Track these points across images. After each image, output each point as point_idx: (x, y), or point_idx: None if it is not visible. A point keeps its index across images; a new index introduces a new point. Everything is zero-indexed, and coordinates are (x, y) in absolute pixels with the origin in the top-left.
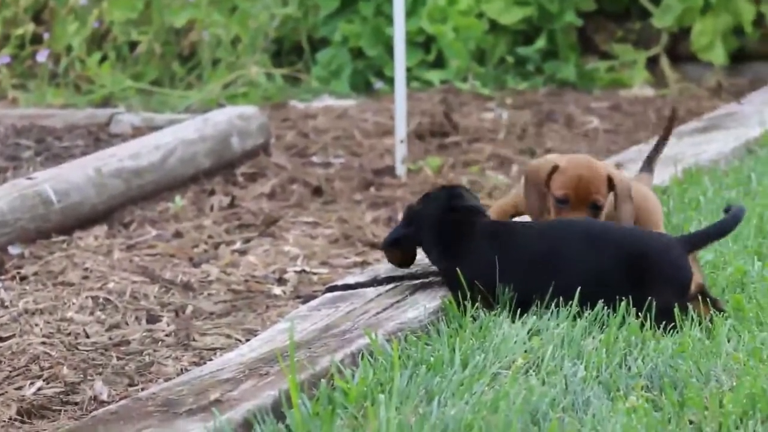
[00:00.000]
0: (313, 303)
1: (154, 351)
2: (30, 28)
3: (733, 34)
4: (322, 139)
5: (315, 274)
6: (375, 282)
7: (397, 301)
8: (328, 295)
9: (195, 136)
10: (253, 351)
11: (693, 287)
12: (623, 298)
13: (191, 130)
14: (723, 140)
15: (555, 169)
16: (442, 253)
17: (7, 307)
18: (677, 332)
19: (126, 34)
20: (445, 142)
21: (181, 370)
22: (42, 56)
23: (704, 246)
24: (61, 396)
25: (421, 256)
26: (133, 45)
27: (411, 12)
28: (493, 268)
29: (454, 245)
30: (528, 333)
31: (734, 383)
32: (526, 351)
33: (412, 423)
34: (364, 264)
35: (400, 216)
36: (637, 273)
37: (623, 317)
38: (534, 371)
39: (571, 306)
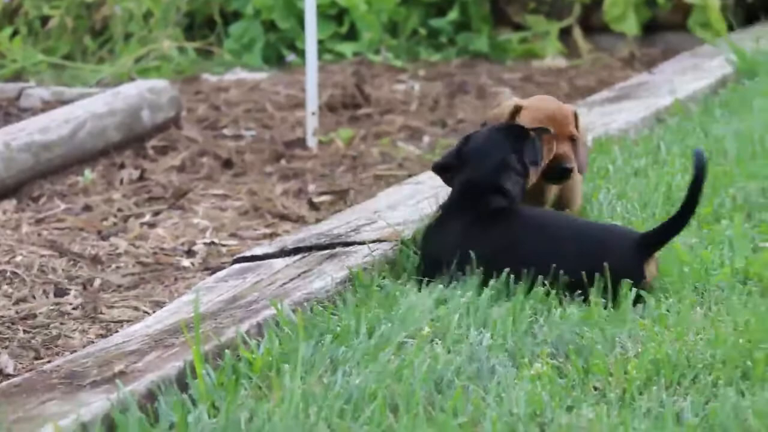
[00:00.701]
0: (220, 274)
1: (61, 324)
2: None
3: (645, 5)
4: (233, 112)
5: (224, 246)
6: (282, 253)
7: (304, 272)
8: (236, 266)
9: (105, 110)
10: (159, 323)
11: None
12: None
13: (101, 103)
14: (633, 109)
15: (518, 109)
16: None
17: None
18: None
19: (38, 8)
20: (357, 114)
21: (88, 342)
22: None
23: (666, 242)
24: None
25: (328, 226)
26: (45, 19)
27: None
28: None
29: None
30: (434, 302)
31: (639, 350)
32: (432, 320)
33: (317, 392)
34: (273, 236)
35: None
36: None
37: (530, 286)
38: (440, 340)
39: (477, 275)
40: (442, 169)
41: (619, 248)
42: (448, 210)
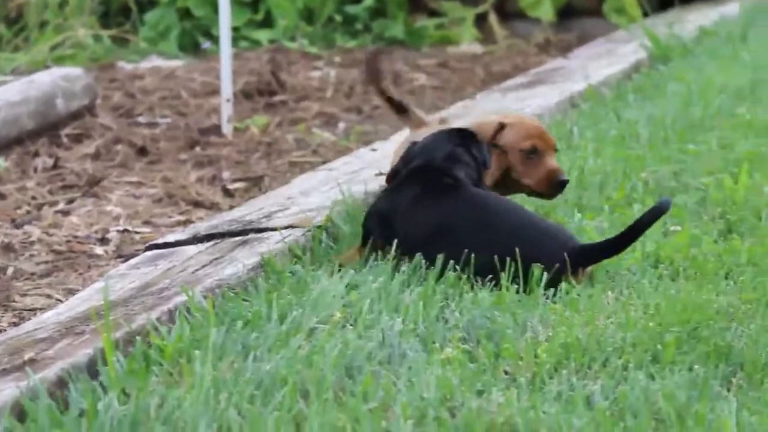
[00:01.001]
0: (132, 261)
1: None
2: None
3: None
4: (148, 99)
5: (137, 233)
6: (195, 240)
7: (216, 258)
8: (148, 253)
9: (18, 98)
10: (70, 310)
11: None
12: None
13: (14, 91)
14: (547, 95)
15: (502, 126)
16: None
17: None
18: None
19: None
20: (272, 100)
21: (0, 331)
22: None
23: (603, 259)
24: None
25: (241, 212)
26: None
27: None
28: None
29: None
30: (346, 287)
31: (550, 334)
32: (344, 305)
33: (227, 378)
34: (187, 223)
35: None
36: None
37: (441, 271)
38: (351, 325)
39: (390, 260)
40: (393, 177)
41: (554, 255)
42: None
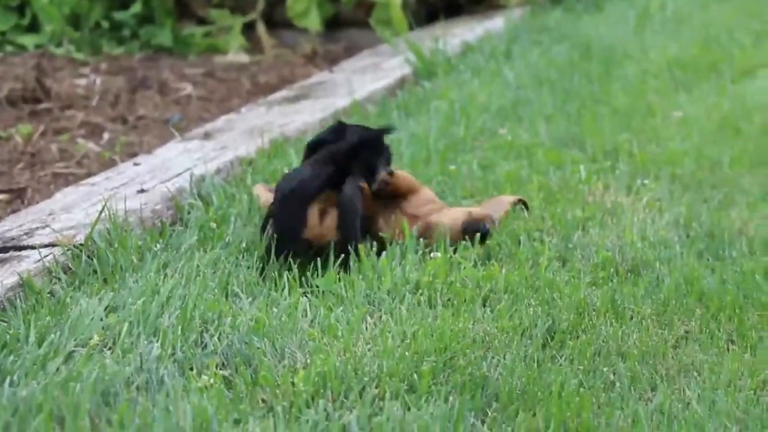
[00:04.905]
0: None
1: None
2: None
3: (328, 1)
4: None
5: None
6: None
7: None
8: None
9: None
10: None
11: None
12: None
13: None
14: (311, 110)
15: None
16: None
17: None
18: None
19: None
20: (37, 108)
21: None
22: None
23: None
24: None
25: (1, 228)
26: None
27: None
28: None
29: None
30: (105, 309)
31: (308, 361)
32: (102, 328)
33: None
34: None
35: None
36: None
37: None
38: (110, 349)
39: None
40: None
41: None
42: None
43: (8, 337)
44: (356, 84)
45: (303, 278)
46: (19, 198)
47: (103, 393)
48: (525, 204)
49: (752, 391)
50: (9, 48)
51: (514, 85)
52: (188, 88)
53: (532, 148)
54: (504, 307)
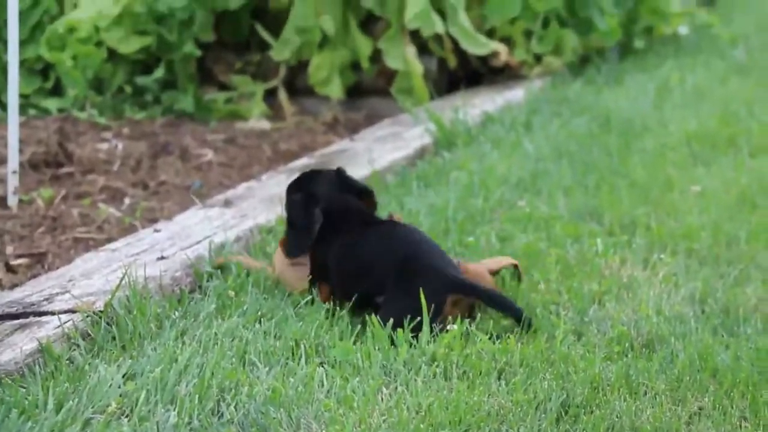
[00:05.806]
0: None
1: None
2: None
3: (350, 69)
4: None
5: None
6: None
7: None
8: None
9: None
10: None
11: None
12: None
13: None
14: None
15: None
16: None
17: None
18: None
19: None
20: (59, 172)
21: None
22: None
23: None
24: None
25: (22, 293)
26: None
27: (29, 39)
28: None
29: None
30: (123, 376)
31: (324, 431)
32: (120, 395)
33: None
34: None
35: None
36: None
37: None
38: (127, 417)
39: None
40: None
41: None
42: None
43: (27, 403)
44: (376, 153)
45: (319, 347)
46: (39, 263)
47: None
48: (518, 271)
49: None
50: (32, 111)
51: (534, 157)
52: (209, 155)
53: (550, 221)
54: (519, 381)
